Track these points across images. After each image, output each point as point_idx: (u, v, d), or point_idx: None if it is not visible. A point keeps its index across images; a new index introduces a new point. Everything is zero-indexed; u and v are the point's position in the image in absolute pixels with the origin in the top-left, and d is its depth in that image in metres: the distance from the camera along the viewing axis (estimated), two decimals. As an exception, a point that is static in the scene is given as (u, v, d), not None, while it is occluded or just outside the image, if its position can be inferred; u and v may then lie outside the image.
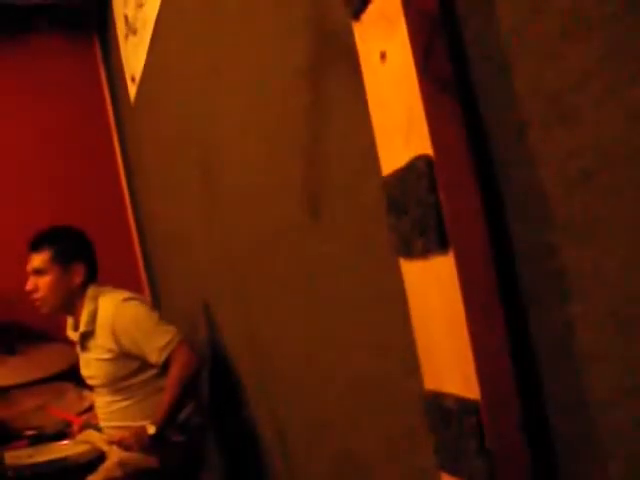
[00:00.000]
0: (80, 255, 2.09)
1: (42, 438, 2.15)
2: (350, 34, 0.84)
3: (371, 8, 0.77)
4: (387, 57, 0.74)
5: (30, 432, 2.16)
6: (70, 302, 2.06)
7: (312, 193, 1.14)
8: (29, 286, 2.05)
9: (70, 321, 2.15)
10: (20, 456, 1.94)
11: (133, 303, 2.03)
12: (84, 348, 2.09)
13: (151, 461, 1.91)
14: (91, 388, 2.19)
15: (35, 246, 2.07)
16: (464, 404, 0.67)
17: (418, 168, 0.66)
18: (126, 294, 2.06)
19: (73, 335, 2.13)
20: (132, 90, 2.87)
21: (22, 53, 3.36)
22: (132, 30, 2.69)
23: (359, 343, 1.09)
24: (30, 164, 3.29)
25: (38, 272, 2.04)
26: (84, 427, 2.14)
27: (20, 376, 2.38)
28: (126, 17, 2.74)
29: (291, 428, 1.59)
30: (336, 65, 0.99)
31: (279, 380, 1.60)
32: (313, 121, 1.10)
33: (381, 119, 0.75)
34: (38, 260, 2.05)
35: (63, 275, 2.04)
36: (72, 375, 2.38)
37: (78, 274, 2.06)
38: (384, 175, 0.74)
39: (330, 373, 1.24)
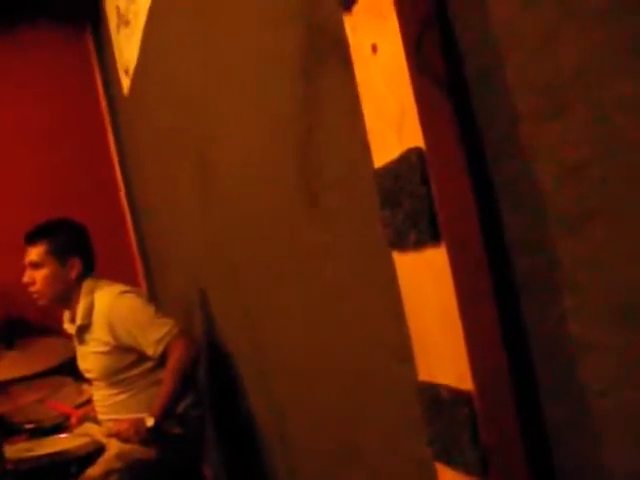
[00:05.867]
0: (76, 248, 2.09)
1: (41, 431, 2.15)
2: (341, 26, 0.84)
3: (362, 0, 0.77)
4: (378, 49, 0.74)
5: (29, 426, 2.17)
6: (67, 295, 2.06)
7: (307, 183, 1.14)
8: (26, 279, 2.05)
9: (67, 314, 2.16)
10: (19, 450, 1.95)
11: (129, 296, 2.03)
12: (81, 341, 2.09)
13: (150, 453, 1.91)
14: (89, 381, 2.20)
15: (31, 239, 2.07)
16: (457, 395, 0.68)
17: (410, 161, 0.66)
18: (122, 287, 2.06)
19: (70, 328, 2.13)
20: (125, 81, 2.86)
21: (15, 44, 3.34)
22: (124, 21, 2.67)
23: (355, 333, 1.10)
24: (24, 156, 3.28)
25: (35, 265, 2.04)
26: (83, 420, 2.15)
27: (19, 370, 2.39)
28: (118, 8, 2.73)
29: (290, 418, 1.60)
30: (327, 57, 0.99)
31: (277, 370, 1.60)
32: (306, 112, 1.10)
33: (373, 111, 0.75)
34: (34, 253, 2.05)
35: (59, 268, 2.05)
36: (70, 368, 2.39)
37: (74, 267, 2.06)
38: (376, 167, 0.74)
39: (327, 363, 1.24)
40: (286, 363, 1.52)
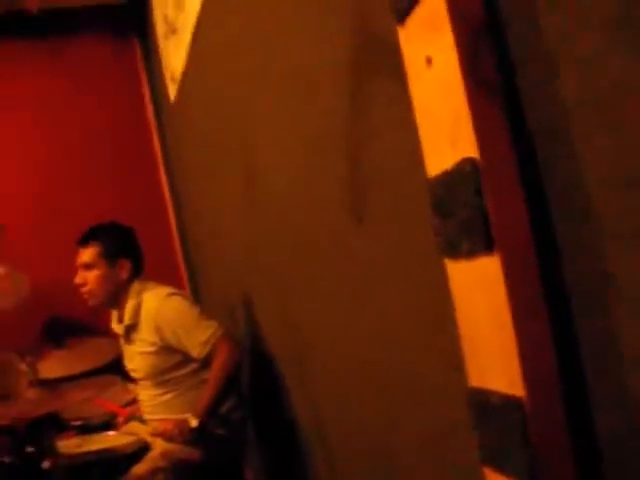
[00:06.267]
0: (126, 251, 2.16)
1: (89, 429, 2.22)
2: (394, 37, 0.86)
3: (416, 13, 0.79)
4: (433, 61, 0.76)
5: (78, 422, 2.23)
6: (116, 296, 2.12)
7: (356, 192, 1.16)
8: (78, 280, 2.12)
9: (114, 314, 2.22)
10: (70, 445, 2.01)
11: (176, 298, 2.08)
12: (128, 341, 2.15)
13: (194, 453, 1.95)
14: (134, 380, 2.25)
15: (84, 241, 2.14)
16: (509, 401, 0.69)
17: (464, 171, 0.67)
18: (169, 289, 2.11)
19: (118, 328, 2.19)
20: (172, 89, 2.93)
21: (66, 54, 3.45)
22: (172, 30, 2.74)
23: (402, 339, 1.11)
24: (73, 162, 3.38)
25: (87, 266, 2.11)
26: (129, 419, 2.21)
27: (68, 369, 2.46)
28: (166, 17, 2.79)
29: (331, 421, 1.62)
30: (379, 67, 1.01)
31: (320, 375, 1.62)
32: (356, 121, 1.12)
33: (427, 122, 0.77)
34: (87, 255, 2.11)
35: (110, 270, 2.11)
36: (116, 368, 2.45)
37: (124, 269, 2.12)
38: (430, 177, 0.75)
39: (372, 368, 1.26)
40: (328, 367, 1.53)
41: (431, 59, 0.75)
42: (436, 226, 0.74)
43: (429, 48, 0.76)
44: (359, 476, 1.48)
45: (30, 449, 1.94)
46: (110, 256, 2.12)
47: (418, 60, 0.78)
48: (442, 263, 0.78)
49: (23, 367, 2.19)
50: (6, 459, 1.96)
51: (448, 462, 1.01)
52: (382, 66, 0.98)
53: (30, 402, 2.06)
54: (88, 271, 2.11)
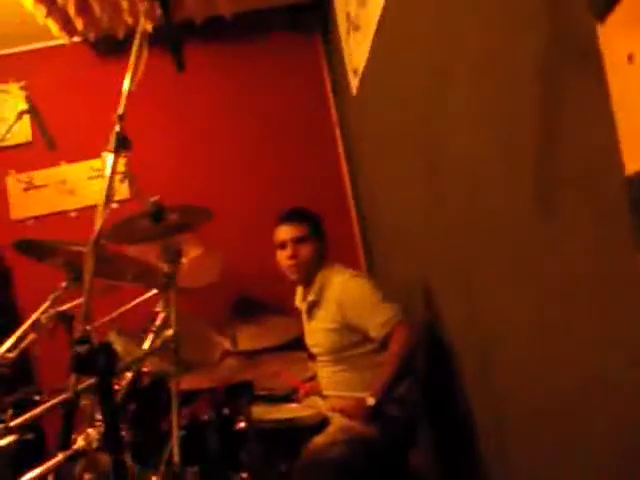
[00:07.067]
0: (324, 233, 2.34)
1: (274, 399, 2.41)
2: (591, 33, 0.87)
3: (619, 10, 0.80)
4: (635, 58, 0.76)
5: (263, 392, 2.43)
6: (313, 272, 2.28)
7: (547, 185, 1.17)
8: (291, 252, 2.26)
9: (300, 291, 2.38)
10: (259, 412, 2.21)
11: (361, 280, 2.21)
12: (311, 317, 2.30)
13: (370, 431, 2.04)
14: (313, 357, 2.40)
15: (294, 218, 2.31)
16: None
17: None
18: (354, 272, 2.24)
19: (302, 304, 2.35)
20: (354, 82, 3.04)
21: (254, 53, 3.72)
22: (354, 26, 2.85)
23: (587, 334, 1.10)
24: (260, 154, 3.64)
25: (300, 240, 2.27)
26: (309, 394, 2.36)
27: (260, 343, 2.67)
28: (348, 14, 2.91)
29: (508, 414, 1.61)
30: (575, 62, 1.01)
31: (499, 365, 1.63)
32: (550, 115, 1.12)
33: (627, 119, 0.78)
34: (300, 230, 2.28)
35: (317, 247, 2.29)
36: (297, 346, 2.62)
37: (324, 249, 2.30)
38: (629, 174, 0.76)
39: (556, 363, 1.25)
40: (510, 359, 1.53)
41: (633, 56, 0.76)
42: (634, 223, 0.75)
43: (632, 45, 0.76)
44: (534, 469, 1.48)
45: (226, 411, 2.17)
46: (316, 235, 2.30)
47: (619, 57, 0.79)
48: (637, 260, 0.78)
49: (220, 339, 2.43)
50: (206, 417, 2.21)
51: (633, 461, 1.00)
52: (578, 62, 0.99)
53: (228, 369, 2.28)
54: (300, 245, 2.27)
